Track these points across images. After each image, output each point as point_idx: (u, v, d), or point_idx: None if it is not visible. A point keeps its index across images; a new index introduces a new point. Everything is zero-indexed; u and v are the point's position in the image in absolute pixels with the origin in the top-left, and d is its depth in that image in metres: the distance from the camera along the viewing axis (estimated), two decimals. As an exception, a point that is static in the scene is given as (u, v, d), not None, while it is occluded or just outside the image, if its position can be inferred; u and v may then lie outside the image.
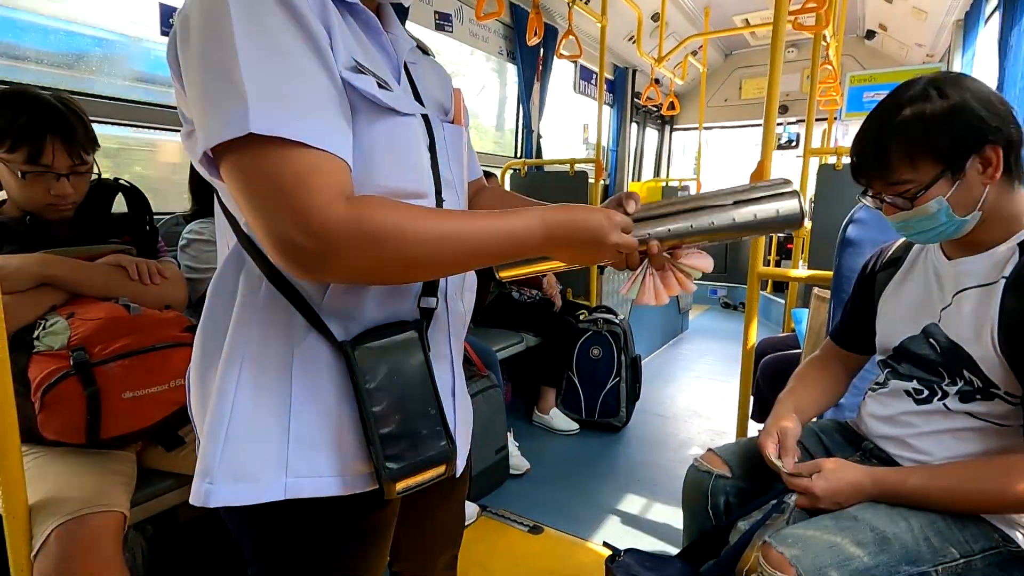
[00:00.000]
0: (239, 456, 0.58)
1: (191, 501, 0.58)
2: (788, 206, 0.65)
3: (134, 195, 1.32)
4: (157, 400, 1.09)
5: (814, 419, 1.16)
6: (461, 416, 0.73)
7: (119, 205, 1.32)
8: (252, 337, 0.59)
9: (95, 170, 1.21)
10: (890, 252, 1.10)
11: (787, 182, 0.67)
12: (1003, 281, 0.84)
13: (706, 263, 0.68)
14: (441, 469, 0.62)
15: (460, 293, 0.73)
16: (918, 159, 0.82)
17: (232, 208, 0.60)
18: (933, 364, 0.93)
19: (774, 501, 0.97)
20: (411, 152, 0.62)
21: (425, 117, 0.65)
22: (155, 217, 1.37)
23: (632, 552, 1.03)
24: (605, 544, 1.09)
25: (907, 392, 0.96)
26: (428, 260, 0.54)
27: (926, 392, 0.94)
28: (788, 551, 0.78)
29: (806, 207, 0.69)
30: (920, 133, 0.81)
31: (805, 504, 0.90)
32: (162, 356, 1.11)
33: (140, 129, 2.03)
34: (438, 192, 0.66)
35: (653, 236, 0.65)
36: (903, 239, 1.06)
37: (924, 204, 0.84)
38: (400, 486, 0.59)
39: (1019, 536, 0.84)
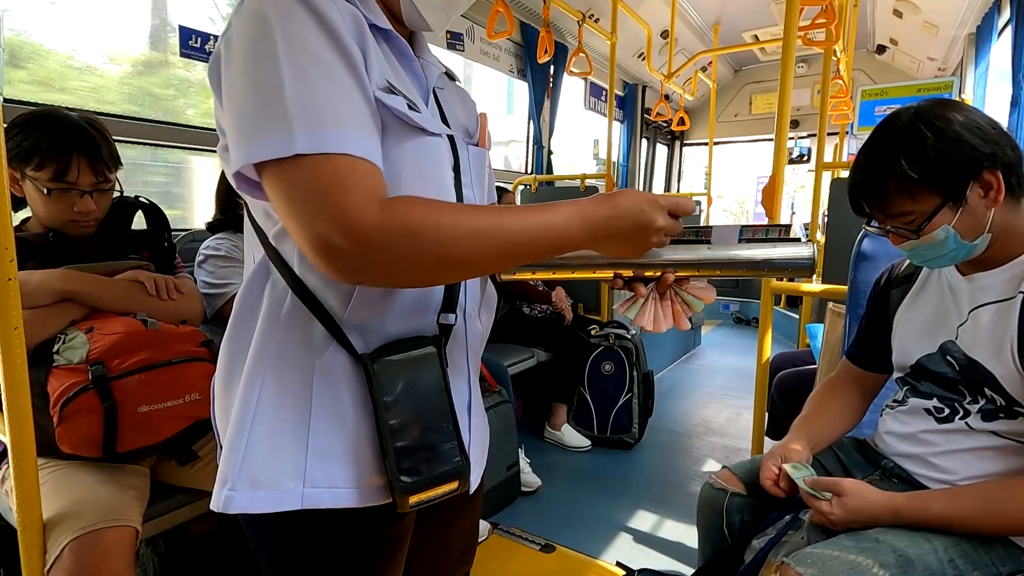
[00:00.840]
0: (258, 464, 0.59)
1: (212, 507, 0.60)
2: (802, 252, 0.65)
3: (153, 212, 1.35)
4: (172, 414, 1.10)
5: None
6: (476, 432, 0.73)
7: (139, 222, 1.35)
8: (275, 348, 0.60)
9: (117, 188, 1.24)
10: (903, 268, 1.08)
11: (800, 239, 0.67)
12: (1020, 296, 0.83)
13: (710, 295, 0.68)
14: (454, 485, 0.62)
15: (479, 310, 0.73)
16: (916, 193, 0.82)
17: (261, 221, 0.62)
18: (952, 382, 0.91)
19: (788, 517, 0.95)
20: (437, 172, 0.64)
21: (451, 138, 0.67)
22: (172, 232, 1.40)
23: (646, 572, 1.02)
24: (618, 564, 1.07)
25: (927, 410, 0.94)
26: (465, 257, 0.54)
27: (947, 411, 0.92)
28: (807, 572, 0.76)
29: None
30: (913, 169, 0.80)
31: (821, 522, 0.89)
32: (178, 371, 1.12)
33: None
34: None
35: (669, 261, 0.65)
36: None
37: (930, 233, 0.83)
38: (413, 500, 0.59)
39: None
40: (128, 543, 0.96)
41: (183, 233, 1.80)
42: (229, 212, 1.59)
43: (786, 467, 0.96)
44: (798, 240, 0.66)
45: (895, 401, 1.04)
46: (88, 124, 1.16)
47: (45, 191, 1.12)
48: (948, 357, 0.92)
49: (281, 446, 0.59)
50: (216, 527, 1.57)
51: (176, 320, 1.23)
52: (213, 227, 1.61)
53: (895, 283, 1.08)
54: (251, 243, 0.65)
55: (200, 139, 2.03)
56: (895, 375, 1.05)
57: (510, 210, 0.56)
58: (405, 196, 0.54)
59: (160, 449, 1.12)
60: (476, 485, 0.74)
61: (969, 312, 0.89)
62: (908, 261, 1.07)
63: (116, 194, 1.26)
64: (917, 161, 0.80)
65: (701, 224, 0.71)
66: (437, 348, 0.63)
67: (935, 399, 0.94)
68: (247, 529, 0.66)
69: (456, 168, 0.66)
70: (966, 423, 0.89)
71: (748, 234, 0.66)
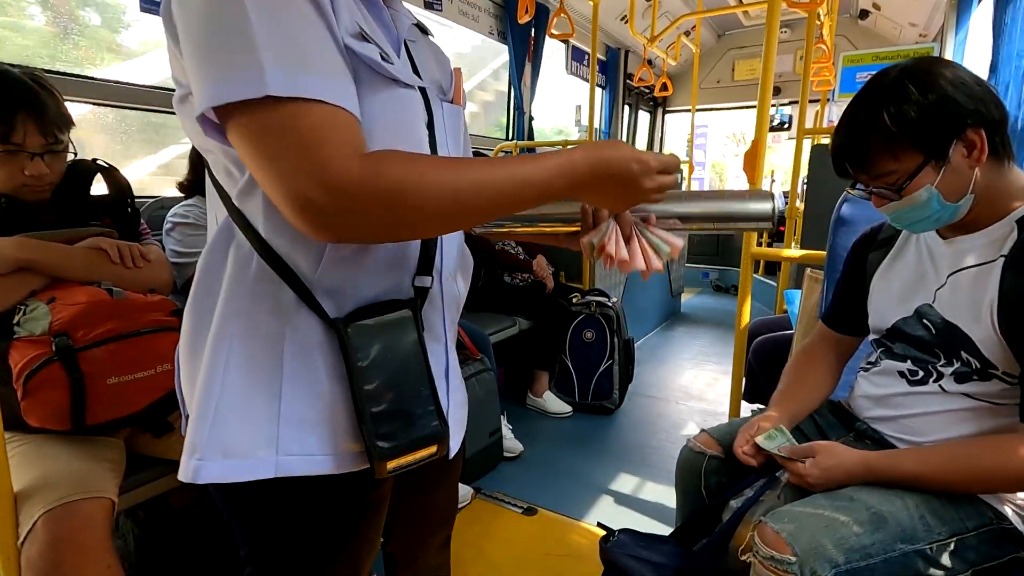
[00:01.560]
0: (228, 433, 0.57)
1: (179, 477, 0.58)
2: (761, 206, 0.66)
3: (113, 177, 1.29)
4: (143, 385, 1.07)
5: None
6: (454, 397, 0.72)
7: (99, 188, 1.28)
8: (241, 313, 0.57)
9: (71, 150, 1.17)
10: (882, 232, 1.08)
11: (765, 190, 0.68)
12: (1002, 259, 0.83)
13: (677, 241, 0.67)
14: (432, 449, 0.62)
15: (455, 274, 0.72)
16: (899, 151, 0.81)
17: (223, 180, 0.59)
18: (928, 345, 0.92)
19: (765, 479, 0.97)
20: (411, 128, 0.61)
21: (424, 92, 0.64)
22: (138, 200, 1.34)
23: (626, 532, 1.04)
24: (599, 524, 1.09)
25: (901, 373, 0.95)
26: (451, 211, 0.52)
27: (921, 373, 0.93)
28: (784, 529, 0.78)
29: (780, 205, 0.69)
30: (897, 126, 0.79)
31: (797, 483, 0.91)
32: (148, 341, 1.08)
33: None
34: None
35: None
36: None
37: (913, 193, 0.82)
38: (391, 465, 0.59)
39: (1009, 512, 0.85)
40: (103, 514, 0.94)
41: (151, 200, 1.73)
42: (202, 174, 1.52)
43: (758, 439, 0.98)
44: (761, 194, 0.66)
45: (869, 363, 1.05)
46: (33, 81, 1.08)
47: None
48: (924, 320, 0.92)
49: (252, 414, 0.57)
50: (197, 497, 1.56)
51: (144, 289, 1.19)
52: (184, 188, 1.54)
53: (873, 247, 1.08)
54: (213, 204, 0.62)
55: (166, 101, 1.94)
56: (870, 337, 1.06)
57: (493, 163, 0.54)
58: (386, 150, 0.51)
59: (133, 421, 1.10)
60: (456, 450, 0.74)
61: (948, 276, 0.89)
62: (887, 225, 1.07)
63: (70, 157, 1.19)
64: (900, 117, 0.79)
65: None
66: (413, 311, 0.61)
67: (909, 361, 0.95)
68: (219, 500, 0.64)
69: (430, 125, 0.63)
70: (939, 385, 0.90)
71: (713, 191, 0.67)
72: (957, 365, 0.88)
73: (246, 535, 0.65)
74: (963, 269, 0.88)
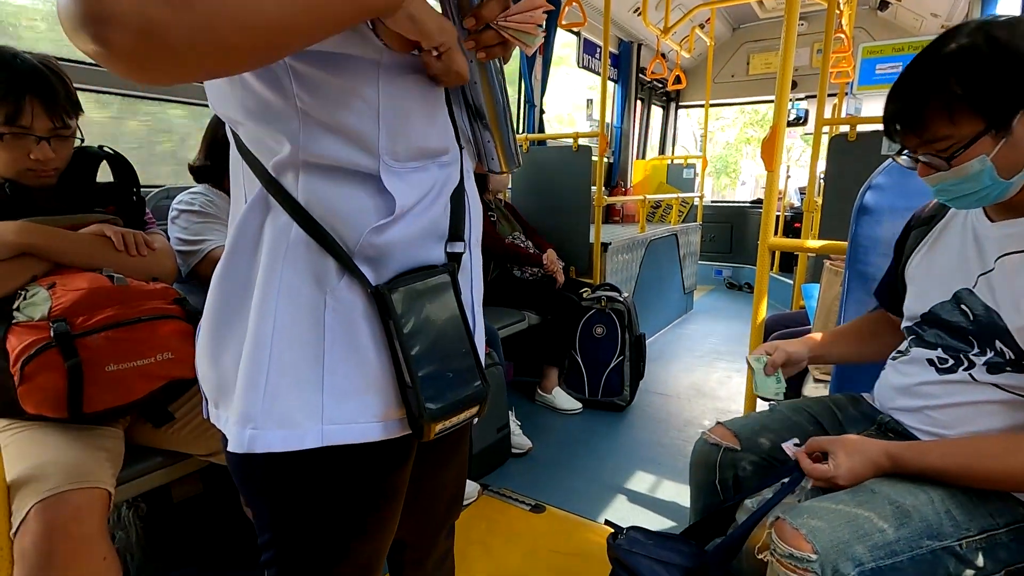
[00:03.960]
0: (280, 403, 0.57)
1: (231, 448, 0.58)
2: None
3: (119, 163, 1.27)
4: (143, 374, 1.05)
5: (826, 377, 1.13)
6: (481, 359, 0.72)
7: (104, 175, 1.27)
8: (284, 283, 0.57)
9: (78, 135, 1.16)
10: (926, 209, 1.01)
11: None
12: None
13: (535, 18, 0.58)
14: (475, 409, 0.63)
15: (478, 242, 0.73)
16: (958, 114, 0.74)
17: (257, 152, 0.58)
18: (964, 332, 0.87)
19: (786, 480, 0.93)
20: (438, 106, 0.62)
21: None
22: (143, 189, 1.32)
23: (635, 530, 1.01)
24: (607, 522, 1.07)
25: (929, 361, 0.91)
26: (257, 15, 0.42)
27: (951, 361, 0.88)
28: (804, 526, 0.73)
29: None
30: (960, 83, 0.72)
31: (824, 486, 0.86)
32: (148, 328, 1.06)
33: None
34: (457, 141, 0.65)
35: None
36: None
37: (963, 164, 0.76)
38: (438, 427, 0.59)
39: None
40: (99, 505, 0.92)
41: (156, 189, 1.72)
42: (214, 159, 1.50)
43: (749, 357, 0.96)
44: None
45: (898, 352, 1.00)
46: (43, 65, 1.07)
47: None
48: (962, 306, 0.87)
49: (298, 383, 0.57)
50: (200, 489, 1.55)
51: (146, 277, 1.17)
52: (196, 172, 1.52)
53: (914, 224, 1.02)
54: (242, 179, 0.61)
55: (183, 91, 1.92)
56: (904, 324, 1.00)
57: None
58: None
59: (132, 410, 1.08)
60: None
61: (996, 260, 0.83)
62: (933, 203, 1.00)
63: (77, 143, 1.17)
64: (965, 77, 0.72)
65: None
66: (451, 275, 0.62)
67: (939, 349, 0.90)
68: (245, 478, 0.64)
69: (446, 96, 0.64)
70: (970, 374, 0.85)
71: None
72: (991, 355, 0.83)
73: (272, 515, 0.64)
74: (1011, 254, 0.81)
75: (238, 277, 0.59)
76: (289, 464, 0.59)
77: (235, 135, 0.61)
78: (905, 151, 0.83)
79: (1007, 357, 0.81)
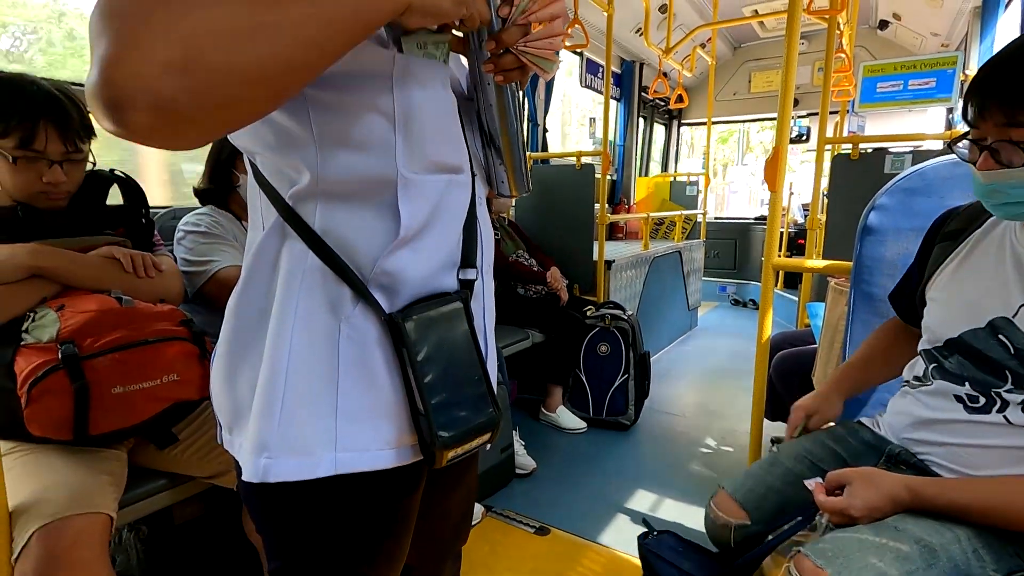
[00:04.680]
0: (295, 430, 0.57)
1: (245, 477, 0.57)
2: None
3: (129, 187, 1.29)
4: (148, 396, 1.05)
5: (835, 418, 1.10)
6: (493, 386, 0.72)
7: (115, 197, 1.29)
8: (300, 311, 0.58)
9: (91, 159, 1.18)
10: (950, 221, 0.93)
11: None
12: None
13: (555, 45, 0.59)
14: (487, 436, 0.63)
15: (491, 267, 0.73)
16: None
17: (274, 180, 0.59)
18: (998, 366, 0.80)
19: (799, 518, 0.90)
20: (453, 120, 0.62)
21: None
22: (151, 210, 1.34)
23: (667, 534, 1.00)
24: (644, 521, 1.08)
25: (957, 397, 0.84)
26: (261, 54, 0.41)
27: (982, 400, 0.82)
28: (827, 565, 0.70)
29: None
30: None
31: (840, 522, 0.82)
32: (154, 350, 1.07)
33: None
34: (471, 168, 0.66)
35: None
36: (968, 206, 0.91)
37: None
38: (450, 454, 0.59)
39: None
40: (100, 531, 0.91)
41: (164, 210, 1.74)
42: (218, 182, 1.52)
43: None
44: None
45: (917, 379, 0.94)
46: (59, 91, 1.09)
47: (11, 159, 1.05)
48: (1000, 336, 0.80)
49: (314, 410, 0.58)
50: (202, 512, 1.54)
51: (154, 299, 1.18)
52: (200, 194, 1.54)
53: (938, 238, 0.94)
54: (259, 206, 0.62)
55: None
56: (923, 345, 0.94)
57: None
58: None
59: (137, 432, 1.08)
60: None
61: None
62: (958, 214, 0.94)
63: (89, 166, 1.19)
64: None
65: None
66: (463, 303, 0.63)
67: (967, 384, 0.83)
68: (256, 505, 0.63)
69: (460, 118, 0.64)
70: (1004, 416, 0.79)
71: None
72: None
73: (282, 542, 0.64)
74: None
75: (254, 304, 0.60)
76: (301, 492, 0.59)
77: (252, 164, 0.62)
78: (968, 137, 0.76)
79: None
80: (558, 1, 0.60)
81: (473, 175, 0.66)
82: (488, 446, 0.66)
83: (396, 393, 0.60)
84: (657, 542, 0.96)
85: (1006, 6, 3.18)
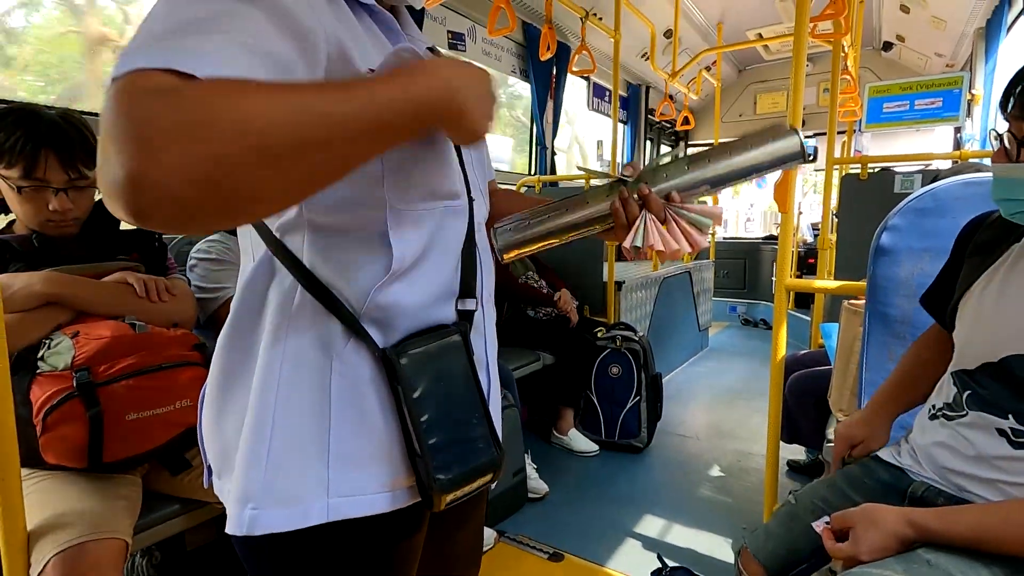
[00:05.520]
0: (282, 479, 0.54)
1: (230, 531, 0.54)
2: (787, 144, 0.61)
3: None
4: (163, 421, 1.05)
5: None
6: (496, 424, 0.68)
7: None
8: (289, 349, 0.55)
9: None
10: (982, 230, 0.89)
11: (783, 123, 0.62)
12: None
13: (715, 209, 0.63)
14: (488, 477, 0.60)
15: (491, 296, 0.70)
16: None
17: None
18: None
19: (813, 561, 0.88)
20: (446, 150, 0.60)
21: None
22: (166, 235, 1.36)
23: (681, 570, 0.97)
24: (659, 557, 1.05)
25: (1000, 431, 0.79)
26: (278, 151, 0.38)
27: None
28: None
29: (808, 148, 0.64)
30: None
31: (849, 566, 0.78)
32: (168, 376, 1.08)
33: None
34: (468, 192, 0.63)
35: (649, 184, 0.62)
36: (999, 215, 0.87)
37: None
38: (449, 497, 0.56)
39: None
40: (116, 556, 0.91)
41: (179, 235, 1.76)
42: None
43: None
44: (783, 131, 0.61)
45: (947, 406, 0.87)
46: (62, 119, 1.11)
47: (16, 189, 1.07)
48: None
49: (303, 456, 0.55)
50: (214, 537, 1.52)
51: (168, 323, 1.19)
52: None
53: (972, 248, 0.90)
54: (249, 239, 0.60)
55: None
56: (953, 367, 0.88)
57: (310, 85, 0.43)
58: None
59: (151, 458, 1.08)
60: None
61: None
62: (990, 221, 0.90)
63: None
64: None
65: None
66: (462, 336, 0.60)
67: (1011, 417, 0.77)
68: (247, 553, 0.60)
69: (457, 147, 0.62)
70: None
71: (734, 143, 0.62)
72: None
73: None
74: None
75: (242, 341, 0.58)
76: (293, 541, 0.55)
77: None
78: (1010, 128, 0.74)
79: None
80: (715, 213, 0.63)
81: (471, 199, 0.64)
82: (493, 485, 0.62)
83: (391, 433, 0.57)
84: None
85: (1008, 28, 3.20)
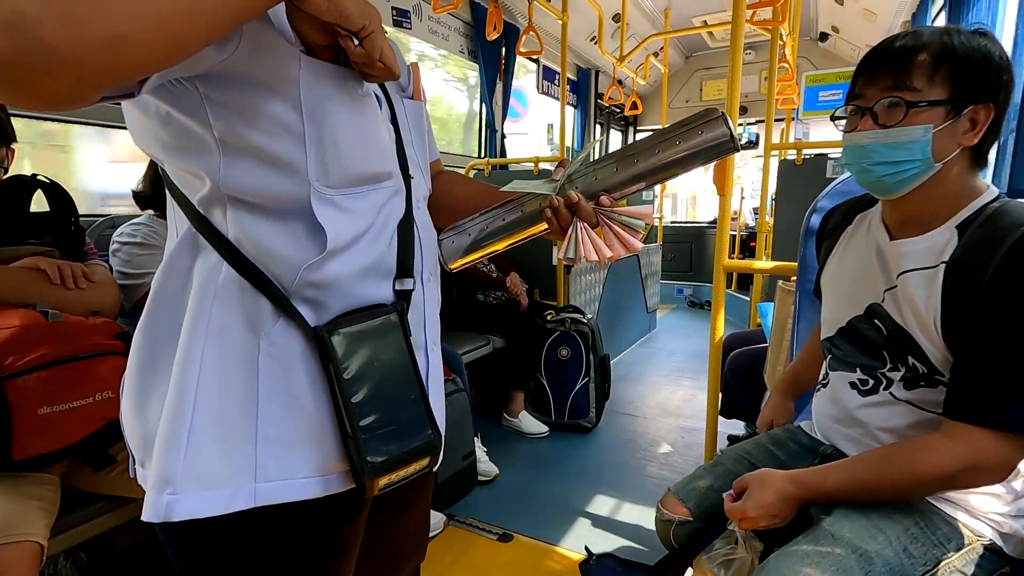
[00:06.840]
0: (204, 461, 0.52)
1: (145, 518, 0.52)
2: (715, 135, 0.60)
3: (55, 193, 1.21)
4: (81, 415, 0.99)
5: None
6: (435, 403, 0.67)
7: (40, 204, 1.21)
8: (212, 329, 0.53)
9: (5, 165, 1.10)
10: (831, 219, 1.03)
11: (713, 110, 0.61)
12: (943, 266, 0.79)
13: (644, 210, 0.63)
14: (425, 461, 0.59)
15: (434, 274, 0.69)
16: (939, 75, 0.76)
17: (181, 184, 0.54)
18: (876, 348, 0.88)
19: (719, 526, 0.94)
20: (375, 128, 0.58)
21: (384, 89, 0.61)
22: (87, 218, 1.27)
23: (608, 557, 1.01)
24: (586, 548, 1.08)
25: (852, 384, 0.91)
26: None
27: (871, 382, 0.89)
28: None
29: (738, 135, 0.64)
30: (961, 52, 0.76)
31: (748, 527, 0.86)
32: (86, 367, 1.01)
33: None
34: (404, 170, 0.62)
35: (578, 188, 0.62)
36: (841, 205, 1.02)
37: (912, 125, 0.77)
38: (383, 482, 0.55)
39: (988, 530, 0.81)
40: (29, 560, 0.86)
41: (101, 219, 1.65)
42: (158, 186, 1.45)
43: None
44: (714, 119, 0.60)
45: (820, 383, 1.00)
46: None
47: None
48: (875, 321, 0.88)
49: (228, 437, 0.52)
50: (146, 535, 1.46)
51: (86, 311, 1.12)
52: (139, 198, 1.46)
53: (825, 235, 1.05)
54: (174, 215, 0.57)
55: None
56: (822, 337, 1.00)
57: None
58: None
59: (70, 454, 1.01)
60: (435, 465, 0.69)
61: (898, 276, 0.85)
62: (835, 212, 1.04)
63: (6, 172, 1.12)
64: (964, 48, 0.76)
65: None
66: (399, 315, 0.58)
67: (858, 370, 0.90)
68: (170, 541, 0.57)
69: (395, 123, 0.61)
70: (890, 393, 0.86)
71: (662, 137, 0.61)
72: (903, 370, 0.85)
73: None
74: (909, 271, 0.83)
75: (164, 323, 0.55)
76: (220, 528, 0.53)
77: (162, 170, 0.57)
78: (855, 103, 0.83)
79: (919, 372, 0.83)
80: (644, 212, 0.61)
81: (409, 178, 0.63)
82: (433, 469, 0.62)
83: (323, 415, 0.55)
84: (598, 567, 0.97)
85: (932, 21, 3.38)
